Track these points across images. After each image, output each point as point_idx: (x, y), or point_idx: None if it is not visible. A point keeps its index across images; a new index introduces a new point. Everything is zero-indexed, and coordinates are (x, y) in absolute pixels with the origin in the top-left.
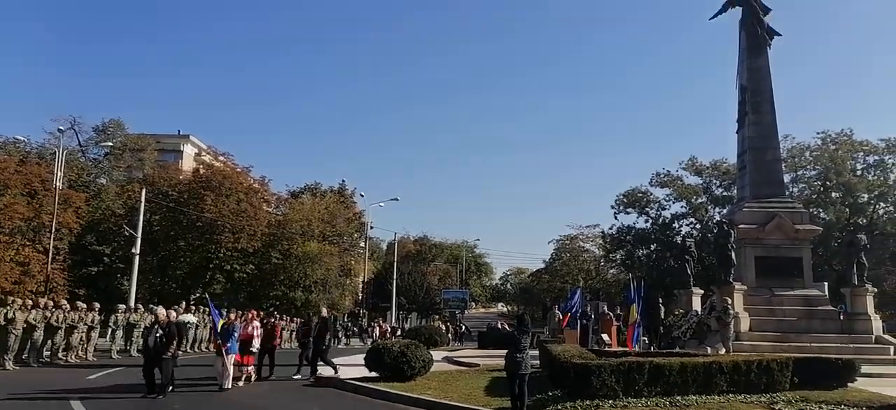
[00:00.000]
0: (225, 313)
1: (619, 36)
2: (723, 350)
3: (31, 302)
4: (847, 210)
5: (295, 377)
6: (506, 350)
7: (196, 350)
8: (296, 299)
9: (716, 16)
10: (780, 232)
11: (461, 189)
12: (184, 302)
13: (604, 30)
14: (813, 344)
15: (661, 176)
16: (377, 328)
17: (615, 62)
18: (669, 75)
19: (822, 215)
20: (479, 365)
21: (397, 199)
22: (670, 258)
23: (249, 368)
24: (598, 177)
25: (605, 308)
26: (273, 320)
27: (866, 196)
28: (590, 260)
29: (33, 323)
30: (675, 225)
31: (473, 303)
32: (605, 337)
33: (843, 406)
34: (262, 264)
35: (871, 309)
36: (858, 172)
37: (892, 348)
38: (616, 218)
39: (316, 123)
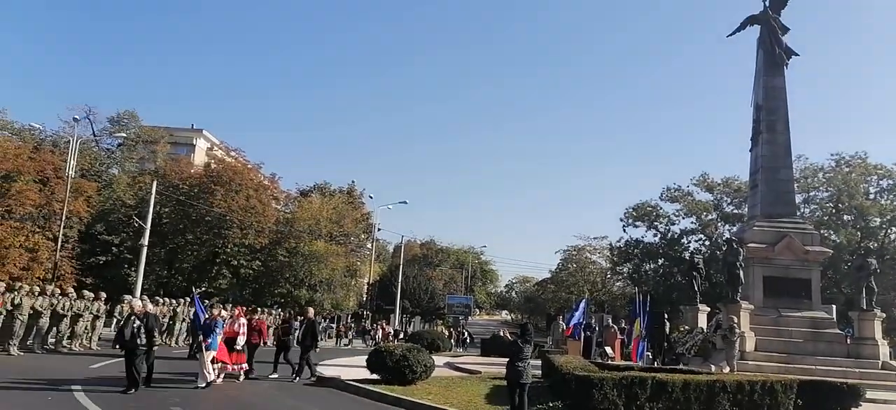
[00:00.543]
0: (209, 309)
1: (636, 40)
2: (727, 369)
3: (37, 289)
4: (858, 233)
5: (271, 376)
6: (508, 358)
7: (174, 343)
8: (300, 297)
9: (734, 33)
10: (790, 253)
11: (470, 194)
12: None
13: (617, 29)
14: (818, 367)
15: (672, 190)
16: (380, 330)
17: (630, 69)
18: (684, 86)
19: (832, 237)
20: (480, 372)
21: (406, 202)
22: (678, 273)
23: (238, 366)
24: (608, 187)
25: (610, 321)
26: (258, 317)
27: (878, 220)
28: (596, 272)
29: (39, 309)
30: (684, 240)
31: (478, 310)
32: (608, 350)
33: None
34: (269, 261)
35: (878, 335)
36: (871, 196)
37: None
38: (624, 231)
39: (328, 121)
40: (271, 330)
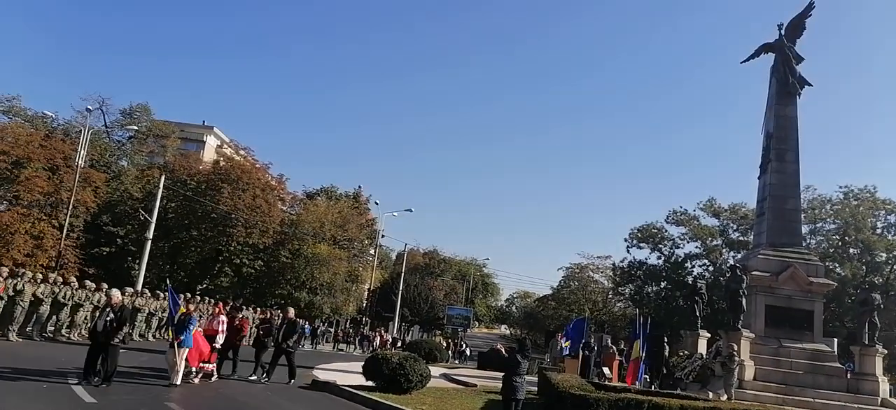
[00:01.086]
0: (183, 303)
1: (651, 62)
2: (725, 397)
3: (40, 276)
4: (864, 267)
5: (250, 377)
6: (503, 374)
7: (151, 337)
8: (300, 299)
9: (748, 59)
10: (794, 283)
11: (475, 205)
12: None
13: (633, 50)
14: (817, 400)
15: (679, 214)
16: (378, 337)
17: (645, 90)
18: (696, 110)
19: (837, 270)
20: (476, 386)
21: (411, 210)
22: (680, 297)
23: (211, 365)
24: (615, 208)
25: (609, 341)
26: (241, 315)
27: (885, 255)
28: (598, 291)
29: (41, 297)
30: (688, 264)
31: (477, 323)
32: (606, 370)
33: None
34: (271, 261)
35: (879, 371)
36: (879, 230)
37: None
38: (628, 251)
39: (339, 124)
40: (251, 330)
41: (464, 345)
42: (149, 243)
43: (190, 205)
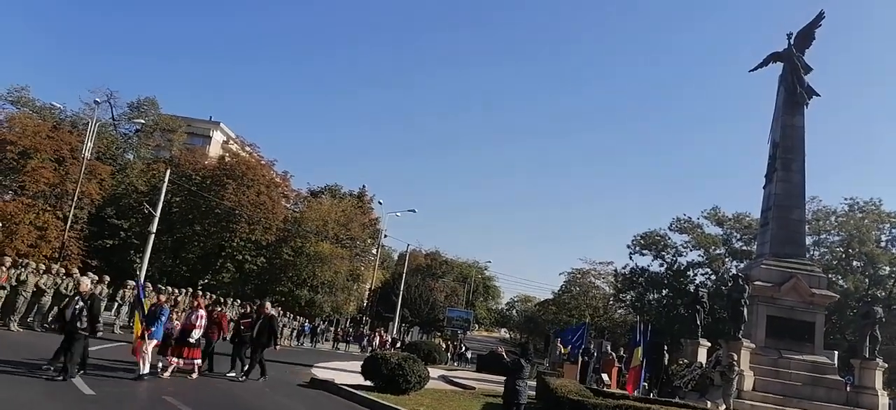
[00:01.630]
0: (150, 292)
1: (659, 70)
2: (723, 407)
3: (43, 267)
4: (867, 280)
5: (228, 374)
6: (506, 377)
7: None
8: (301, 297)
9: (756, 68)
10: (796, 294)
11: (478, 208)
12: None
13: (638, 63)
14: None
15: (682, 221)
16: (377, 337)
17: (652, 100)
18: (703, 119)
19: (840, 282)
20: (474, 388)
21: (414, 211)
22: (681, 306)
23: (190, 362)
24: (618, 214)
25: (609, 347)
26: (219, 309)
27: (888, 268)
28: (599, 298)
29: (43, 287)
30: (690, 272)
31: (477, 325)
32: (605, 376)
33: None
34: (273, 258)
35: (879, 385)
36: (883, 244)
37: None
38: (631, 258)
39: (345, 124)
40: (231, 325)
41: (464, 347)
42: (152, 237)
43: (194, 199)
